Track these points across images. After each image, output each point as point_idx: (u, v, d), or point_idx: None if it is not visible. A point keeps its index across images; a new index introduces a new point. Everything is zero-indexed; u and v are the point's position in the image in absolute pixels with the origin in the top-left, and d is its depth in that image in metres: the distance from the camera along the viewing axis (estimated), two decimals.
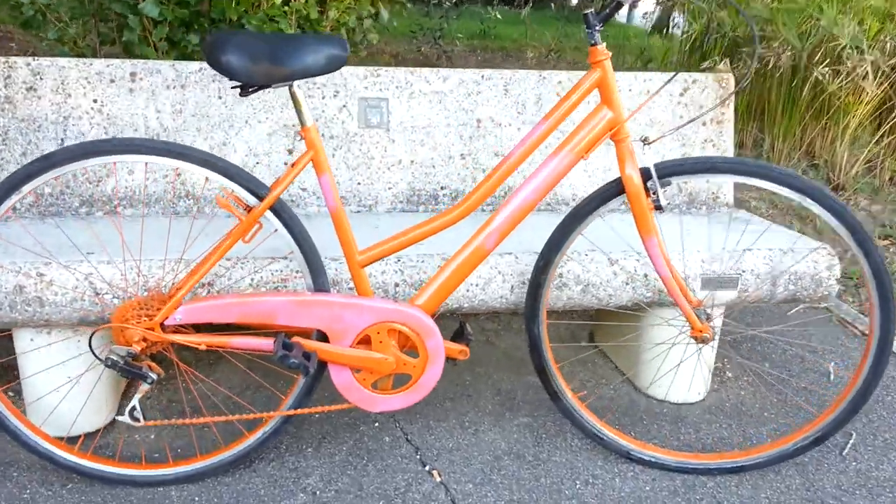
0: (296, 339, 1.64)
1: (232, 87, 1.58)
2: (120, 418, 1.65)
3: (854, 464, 1.99)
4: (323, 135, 2.27)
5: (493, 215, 1.69)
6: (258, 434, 1.78)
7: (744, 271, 2.02)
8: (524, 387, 2.28)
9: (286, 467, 1.85)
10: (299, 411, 1.75)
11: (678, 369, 2.18)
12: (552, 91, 2.39)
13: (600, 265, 1.96)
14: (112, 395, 2.00)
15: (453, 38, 7.66)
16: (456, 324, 1.88)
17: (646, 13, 8.45)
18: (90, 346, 1.61)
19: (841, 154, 4.56)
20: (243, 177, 1.60)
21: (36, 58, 2.09)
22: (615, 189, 1.71)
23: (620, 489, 1.84)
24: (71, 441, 1.90)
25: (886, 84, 4.46)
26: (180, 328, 1.64)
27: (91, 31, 3.10)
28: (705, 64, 4.59)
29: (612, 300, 1.99)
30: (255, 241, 1.88)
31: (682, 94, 2.46)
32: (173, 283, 1.75)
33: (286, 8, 2.95)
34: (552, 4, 11.33)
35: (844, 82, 4.41)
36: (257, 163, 2.25)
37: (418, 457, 1.92)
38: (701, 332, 1.76)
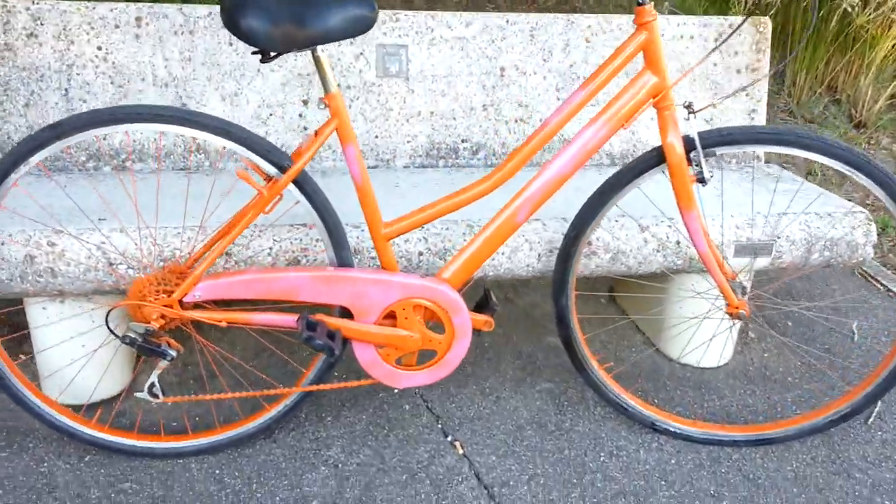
0: (319, 316, 1.58)
1: (252, 53, 1.46)
2: (139, 395, 1.61)
3: (879, 434, 1.97)
4: (339, 84, 2.15)
5: (524, 186, 1.60)
6: (279, 407, 1.74)
7: (779, 237, 1.95)
8: (544, 350, 2.23)
9: (306, 437, 1.82)
10: (321, 387, 1.70)
11: (704, 335, 2.13)
12: (580, 37, 2.26)
13: (630, 232, 1.88)
14: (127, 362, 1.95)
15: None
16: (479, 291, 1.82)
17: None
18: (107, 323, 1.55)
19: (865, 89, 4.41)
20: (264, 147, 1.50)
21: (36, 1, 1.96)
22: (655, 159, 1.62)
23: (645, 461, 1.82)
24: (86, 410, 1.86)
25: None
26: (199, 304, 1.57)
27: None
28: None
29: (642, 268, 1.92)
30: (276, 211, 1.79)
31: (716, 40, 2.33)
32: (190, 254, 1.68)
33: None
34: None
35: (873, 14, 4.22)
36: (271, 114, 2.13)
37: (439, 426, 1.89)
38: (737, 308, 1.70)
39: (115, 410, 1.88)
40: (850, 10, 4.14)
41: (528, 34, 2.23)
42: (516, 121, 2.27)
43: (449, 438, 1.85)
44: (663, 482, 1.76)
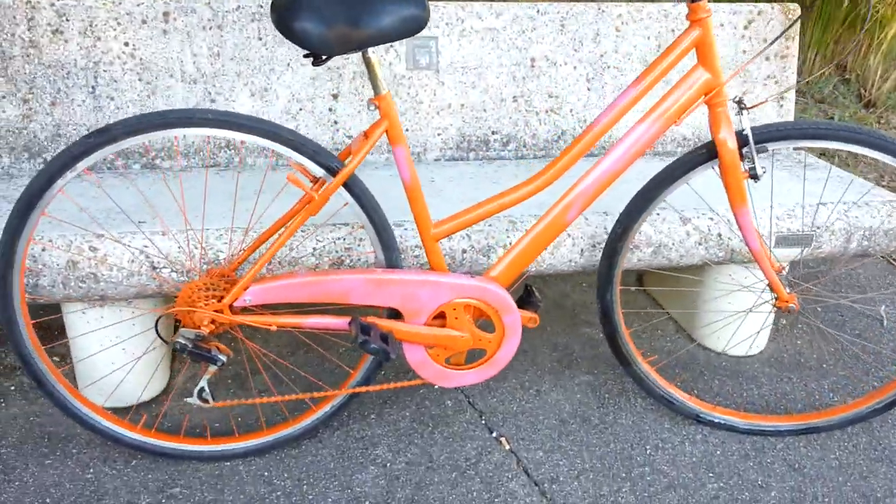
0: (371, 319, 1.57)
1: (304, 56, 1.43)
2: (189, 400, 1.59)
3: None
4: (368, 78, 2.12)
5: (573, 185, 1.58)
6: (326, 408, 1.73)
7: (818, 227, 1.94)
8: (580, 341, 2.23)
9: (352, 437, 1.81)
10: (370, 388, 1.69)
11: (732, 321, 2.13)
12: (611, 26, 2.23)
13: (672, 225, 1.87)
14: (165, 366, 1.93)
15: None
16: (520, 287, 1.80)
17: None
18: (157, 330, 1.53)
19: (874, 68, 4.40)
20: (312, 148, 1.48)
21: None
22: (705, 155, 1.60)
23: (691, 454, 1.82)
24: (124, 413, 1.85)
25: None
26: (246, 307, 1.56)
27: None
28: None
29: (683, 261, 1.91)
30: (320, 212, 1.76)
31: (745, 28, 2.31)
32: (233, 255, 1.66)
33: None
34: None
35: None
36: (300, 109, 2.10)
37: (483, 422, 1.88)
38: (787, 302, 1.70)
39: (162, 414, 1.86)
40: None
41: (558, 24, 2.20)
42: (547, 112, 2.24)
43: (494, 434, 1.85)
44: (711, 474, 1.76)
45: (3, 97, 1.94)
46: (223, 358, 1.53)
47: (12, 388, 1.93)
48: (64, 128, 1.99)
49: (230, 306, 1.52)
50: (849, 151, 1.54)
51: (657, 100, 1.66)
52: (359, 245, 1.72)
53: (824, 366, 2.18)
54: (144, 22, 1.97)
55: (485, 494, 1.67)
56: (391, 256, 1.59)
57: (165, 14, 1.98)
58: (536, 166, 2.17)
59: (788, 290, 1.70)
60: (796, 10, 2.33)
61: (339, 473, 1.71)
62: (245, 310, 1.57)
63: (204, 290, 1.52)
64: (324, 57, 1.40)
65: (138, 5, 1.96)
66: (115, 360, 1.79)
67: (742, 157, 1.57)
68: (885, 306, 2.51)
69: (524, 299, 1.73)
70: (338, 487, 1.67)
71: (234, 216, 1.73)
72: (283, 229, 1.57)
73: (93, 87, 1.99)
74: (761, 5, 2.32)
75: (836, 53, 4.51)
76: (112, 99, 2.00)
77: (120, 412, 1.84)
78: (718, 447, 1.85)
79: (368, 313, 1.60)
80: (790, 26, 1.59)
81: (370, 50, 1.41)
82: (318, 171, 1.50)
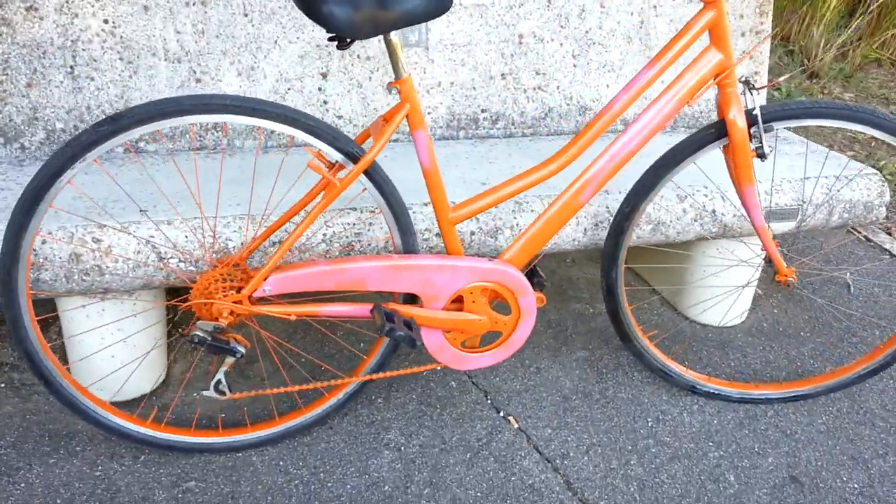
0: (391, 305, 1.55)
1: (329, 40, 1.39)
2: (206, 393, 1.55)
3: (892, 383, 2.08)
4: (358, 56, 2.08)
5: (587, 167, 1.60)
6: (339, 395, 1.72)
7: (804, 202, 2.01)
8: (572, 317, 2.26)
9: (362, 422, 1.80)
10: (387, 374, 1.68)
11: (725, 295, 2.20)
12: (595, 1, 2.24)
13: (670, 202, 1.91)
14: (162, 356, 1.88)
15: None
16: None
17: None
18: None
19: (817, 40, 4.55)
20: (331, 134, 1.45)
21: None
22: (714, 134, 1.63)
23: (690, 424, 1.88)
24: (128, 406, 1.80)
25: None
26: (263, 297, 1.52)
27: None
28: None
29: (680, 237, 1.95)
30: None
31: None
32: (243, 244, 1.61)
33: None
34: None
35: None
36: (289, 89, 2.05)
37: (489, 401, 1.90)
38: (786, 276, 1.76)
39: (172, 407, 1.81)
40: None
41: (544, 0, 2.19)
42: (534, 89, 2.24)
43: (501, 413, 1.86)
44: (711, 443, 1.82)
45: None
46: (241, 349, 1.50)
47: (2, 385, 1.85)
48: (41, 110, 1.89)
49: (248, 297, 1.48)
50: (856, 131, 1.59)
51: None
52: (369, 230, 1.69)
53: (802, 334, 2.27)
54: None
55: (501, 474, 1.69)
56: (408, 241, 1.57)
57: None
58: (526, 145, 2.18)
59: (787, 265, 1.76)
60: None
61: (354, 459, 1.70)
62: (260, 299, 1.53)
63: (220, 280, 1.48)
64: (348, 40, 1.37)
65: None
66: (115, 353, 1.73)
67: (750, 136, 1.61)
68: (849, 273, 2.62)
69: (529, 279, 1.74)
70: (355, 473, 1.66)
71: (250, 204, 1.68)
72: (299, 216, 1.53)
73: (71, 68, 1.89)
74: None
75: (780, 25, 4.64)
76: (92, 79, 1.91)
77: (121, 406, 1.79)
78: (715, 416, 1.91)
79: (379, 299, 1.58)
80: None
81: (392, 32, 1.38)
82: (337, 156, 1.47)
